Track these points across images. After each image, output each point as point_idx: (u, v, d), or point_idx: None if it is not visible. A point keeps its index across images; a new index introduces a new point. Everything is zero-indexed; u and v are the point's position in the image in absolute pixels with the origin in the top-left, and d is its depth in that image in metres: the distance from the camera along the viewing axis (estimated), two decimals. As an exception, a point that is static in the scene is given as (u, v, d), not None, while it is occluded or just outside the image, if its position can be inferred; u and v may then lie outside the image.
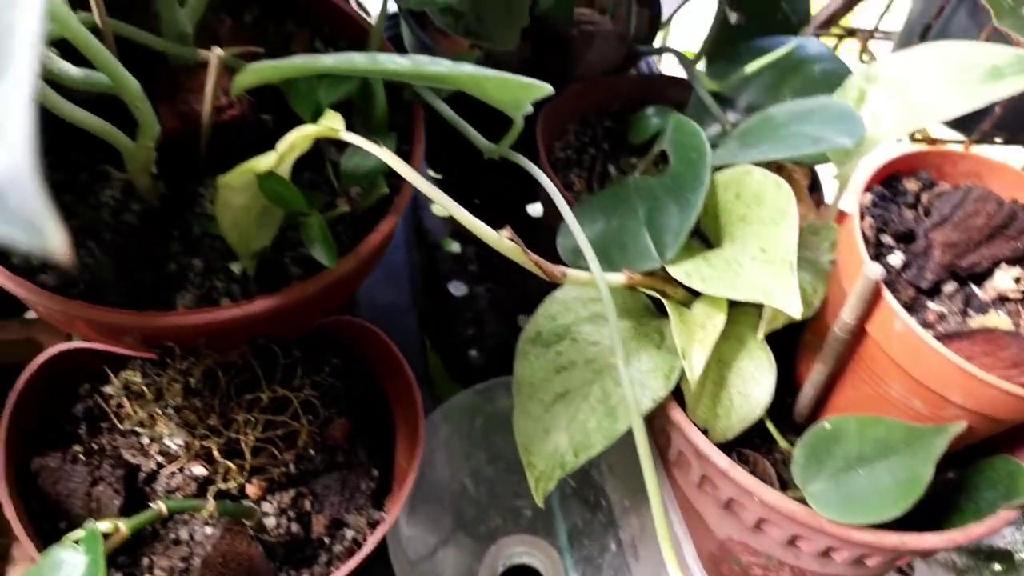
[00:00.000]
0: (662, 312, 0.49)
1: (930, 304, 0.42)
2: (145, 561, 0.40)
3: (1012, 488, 0.43)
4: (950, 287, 0.42)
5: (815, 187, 0.62)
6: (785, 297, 0.38)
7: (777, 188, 0.43)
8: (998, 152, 1.08)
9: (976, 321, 0.41)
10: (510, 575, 0.57)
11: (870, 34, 0.87)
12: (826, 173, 0.63)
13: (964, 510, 0.45)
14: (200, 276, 0.42)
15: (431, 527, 0.57)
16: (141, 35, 0.42)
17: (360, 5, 0.69)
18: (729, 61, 0.63)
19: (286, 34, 0.53)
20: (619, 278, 0.44)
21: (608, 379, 0.45)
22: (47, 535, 0.40)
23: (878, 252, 0.42)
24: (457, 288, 0.73)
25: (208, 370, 0.42)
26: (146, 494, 0.42)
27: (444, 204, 0.38)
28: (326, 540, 0.44)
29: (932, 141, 0.84)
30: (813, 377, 0.45)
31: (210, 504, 0.39)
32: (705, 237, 0.49)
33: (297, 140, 0.39)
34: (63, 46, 0.36)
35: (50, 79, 0.37)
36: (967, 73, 0.48)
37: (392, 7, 0.53)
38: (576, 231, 0.44)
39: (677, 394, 0.46)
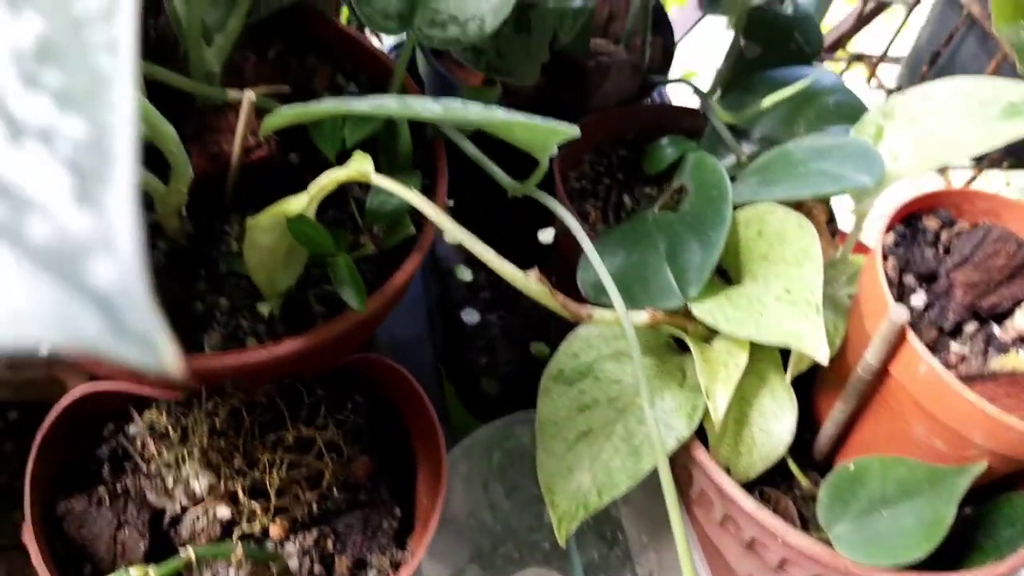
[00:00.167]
0: (682, 348, 0.50)
1: (952, 345, 0.42)
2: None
3: (1031, 526, 0.43)
4: (971, 327, 0.42)
5: (830, 219, 0.62)
6: (813, 342, 0.38)
7: (800, 228, 0.43)
8: (1005, 176, 1.08)
9: (997, 361, 0.42)
10: (527, 607, 0.57)
11: (879, 59, 0.88)
12: (839, 201, 0.64)
13: (984, 548, 0.45)
14: (226, 315, 0.43)
15: (447, 559, 0.56)
16: (170, 76, 0.42)
17: (376, 34, 0.69)
18: (744, 92, 0.63)
19: (308, 69, 0.53)
20: (643, 317, 0.44)
21: (631, 418, 0.45)
22: (71, 579, 0.40)
23: (900, 292, 0.43)
24: (470, 316, 0.74)
25: (233, 410, 0.42)
26: (171, 537, 0.42)
27: (477, 250, 0.38)
28: (349, 579, 0.44)
29: (943, 168, 0.85)
30: (834, 415, 0.45)
31: (236, 549, 0.39)
32: (723, 271, 0.49)
33: (328, 183, 0.39)
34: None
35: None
36: (984, 109, 0.48)
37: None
38: (598, 267, 0.45)
39: (698, 431, 0.46)
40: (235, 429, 0.42)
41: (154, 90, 0.41)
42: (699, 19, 0.99)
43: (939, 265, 0.44)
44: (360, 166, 0.39)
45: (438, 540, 0.56)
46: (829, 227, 0.61)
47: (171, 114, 0.37)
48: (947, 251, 0.45)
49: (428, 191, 0.49)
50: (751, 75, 0.64)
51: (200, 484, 0.42)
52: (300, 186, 0.47)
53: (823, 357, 0.38)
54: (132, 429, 0.43)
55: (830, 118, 0.62)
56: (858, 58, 0.92)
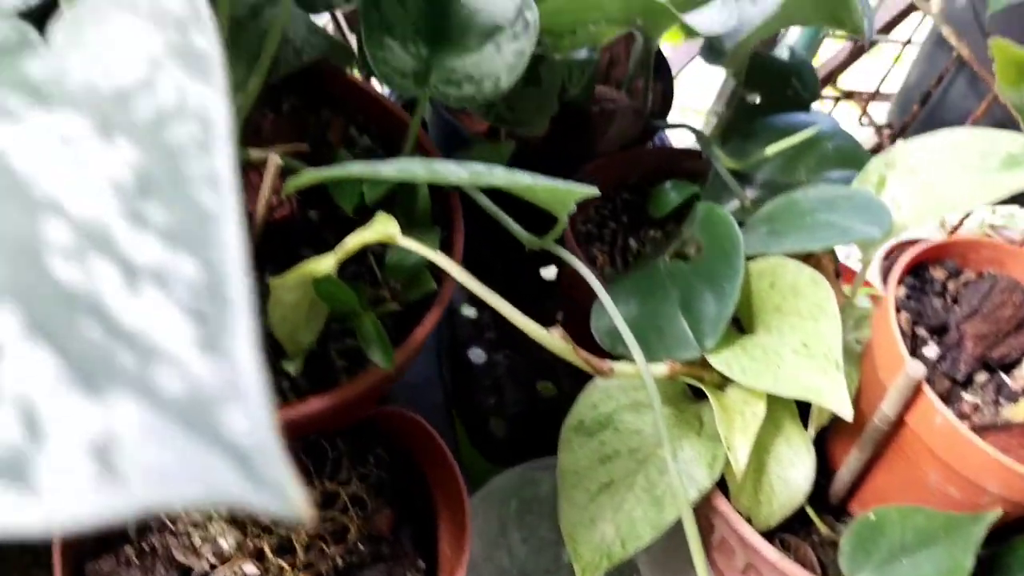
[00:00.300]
0: (697, 395, 0.50)
1: (964, 395, 0.43)
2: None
3: (1046, 570, 0.44)
4: (982, 377, 0.44)
5: (836, 267, 0.64)
6: (837, 399, 0.39)
7: (813, 283, 0.44)
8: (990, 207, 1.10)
9: (1008, 410, 0.43)
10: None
11: (871, 97, 0.90)
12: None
13: (998, 590, 0.46)
14: (251, 374, 0.43)
15: (463, 604, 0.57)
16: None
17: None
18: (745, 138, 0.65)
19: (323, 122, 0.54)
20: (662, 369, 0.45)
21: (652, 468, 0.45)
22: (99, 639, 0.40)
23: (913, 345, 0.44)
24: (476, 355, 0.74)
25: (260, 468, 0.42)
26: (199, 595, 0.42)
27: (504, 311, 0.39)
28: (373, 634, 0.44)
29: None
30: (850, 463, 0.46)
31: (267, 607, 0.40)
32: (735, 319, 0.50)
33: (353, 246, 0.40)
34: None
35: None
36: (983, 161, 0.50)
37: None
38: (614, 315, 0.45)
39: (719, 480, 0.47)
40: (261, 487, 0.43)
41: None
42: (692, 57, 1.01)
43: (949, 316, 0.45)
44: (386, 228, 0.40)
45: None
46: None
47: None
48: (955, 301, 0.46)
49: (445, 245, 0.50)
50: (752, 121, 0.65)
51: (227, 542, 0.42)
52: (320, 242, 0.48)
53: (848, 414, 0.39)
54: (157, 489, 0.44)
55: (830, 163, 0.63)
56: (848, 95, 0.94)
